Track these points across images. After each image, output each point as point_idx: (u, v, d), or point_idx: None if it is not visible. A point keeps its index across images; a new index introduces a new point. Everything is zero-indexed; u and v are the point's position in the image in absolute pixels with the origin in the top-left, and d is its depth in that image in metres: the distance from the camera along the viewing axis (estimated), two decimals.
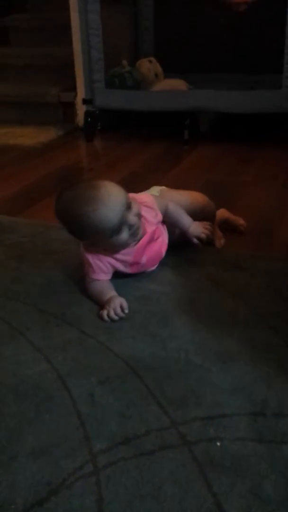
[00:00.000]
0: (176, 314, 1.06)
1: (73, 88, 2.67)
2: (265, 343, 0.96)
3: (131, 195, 1.12)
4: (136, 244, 1.12)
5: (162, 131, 2.57)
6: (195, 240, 1.22)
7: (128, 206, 1.05)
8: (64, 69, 2.76)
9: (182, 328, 1.01)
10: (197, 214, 1.26)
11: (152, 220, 1.15)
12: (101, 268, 1.12)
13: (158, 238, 1.18)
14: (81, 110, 2.58)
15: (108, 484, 0.69)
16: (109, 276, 1.14)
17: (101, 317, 1.04)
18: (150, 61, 2.69)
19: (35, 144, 2.51)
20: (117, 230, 1.04)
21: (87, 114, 2.48)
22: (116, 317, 1.03)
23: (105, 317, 1.03)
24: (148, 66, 2.66)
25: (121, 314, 1.03)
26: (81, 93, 2.54)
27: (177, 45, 2.83)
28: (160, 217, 1.18)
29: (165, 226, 1.23)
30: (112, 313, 1.03)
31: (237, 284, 1.17)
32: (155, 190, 1.30)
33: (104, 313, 1.04)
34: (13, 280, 1.21)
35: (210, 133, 2.44)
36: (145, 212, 1.13)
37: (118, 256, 1.12)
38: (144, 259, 1.15)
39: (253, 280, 1.18)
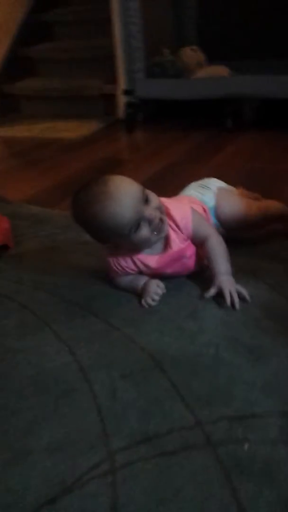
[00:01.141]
0: (207, 307, 1.00)
1: (116, 80, 2.64)
2: None
3: (166, 201, 1.03)
4: (163, 251, 1.04)
5: (204, 120, 2.50)
6: (212, 292, 1.01)
7: (145, 199, 0.96)
8: (107, 62, 2.74)
9: (213, 322, 0.95)
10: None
11: (176, 240, 1.03)
12: (124, 272, 1.06)
13: (188, 255, 1.07)
14: (122, 101, 2.55)
15: (124, 485, 0.64)
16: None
17: (145, 305, 1.01)
18: (193, 50, 2.62)
19: (76, 137, 2.51)
20: (135, 226, 0.95)
21: (127, 105, 2.44)
22: (157, 298, 1.02)
23: (151, 302, 1.01)
24: (191, 54, 2.59)
25: (161, 293, 1.02)
26: (122, 84, 2.51)
27: (222, 32, 2.74)
28: (187, 234, 1.04)
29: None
30: (155, 297, 1.02)
31: (276, 276, 1.10)
32: (213, 184, 1.23)
33: (148, 299, 1.01)
34: (43, 270, 1.20)
35: (254, 121, 2.34)
36: (171, 231, 1.03)
37: (141, 259, 1.04)
38: (168, 270, 1.07)
39: None
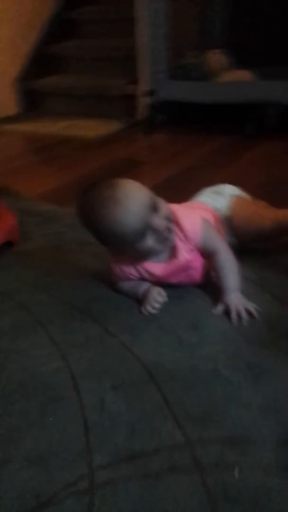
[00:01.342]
0: (209, 318, 0.95)
1: (138, 81, 2.61)
2: None
3: (176, 209, 0.97)
4: (168, 260, 0.99)
5: (226, 125, 2.45)
6: (219, 309, 0.97)
7: (154, 208, 0.91)
8: (131, 62, 2.71)
9: (214, 335, 0.91)
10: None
11: (182, 251, 0.98)
12: (126, 278, 1.02)
13: (195, 267, 1.02)
14: (143, 102, 2.51)
15: (102, 506, 0.60)
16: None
17: (145, 313, 0.97)
18: (219, 53, 2.57)
19: (95, 137, 2.48)
20: (140, 235, 0.90)
21: (148, 106, 2.41)
22: (158, 306, 0.98)
23: (151, 310, 0.97)
24: (216, 58, 2.54)
25: (161, 301, 0.98)
26: (143, 85, 2.47)
27: (249, 37, 2.68)
28: (195, 245, 0.99)
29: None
30: (155, 305, 0.98)
31: (285, 289, 1.04)
32: (227, 191, 1.18)
33: (148, 307, 0.97)
34: (46, 270, 1.17)
35: (278, 127, 2.28)
36: (178, 241, 0.98)
37: (145, 266, 1.00)
38: (172, 280, 1.03)
39: None
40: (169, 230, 0.94)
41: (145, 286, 1.01)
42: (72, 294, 1.06)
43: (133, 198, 0.89)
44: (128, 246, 0.93)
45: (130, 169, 1.96)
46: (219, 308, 0.97)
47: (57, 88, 3.01)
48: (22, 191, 1.72)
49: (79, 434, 0.70)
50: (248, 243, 1.18)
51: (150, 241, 0.92)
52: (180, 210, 0.99)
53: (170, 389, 0.78)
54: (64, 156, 2.23)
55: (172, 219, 0.95)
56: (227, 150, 2.14)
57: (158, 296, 0.98)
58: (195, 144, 2.22)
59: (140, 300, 1.00)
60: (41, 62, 3.12)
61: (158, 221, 0.91)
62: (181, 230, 0.97)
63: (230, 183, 1.25)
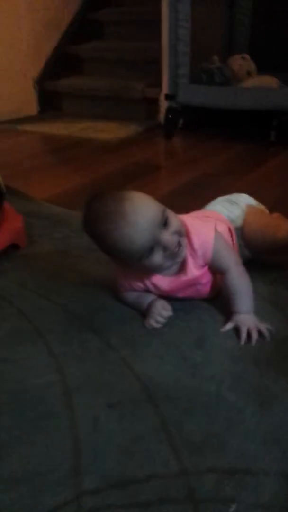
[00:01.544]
0: (217, 336, 0.90)
1: (160, 84, 2.57)
2: None
3: (188, 221, 0.93)
4: (176, 274, 0.94)
5: (248, 132, 2.39)
6: (228, 327, 0.92)
7: (163, 223, 0.85)
8: (153, 64, 2.68)
9: (220, 354, 0.86)
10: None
11: (191, 267, 0.93)
12: (131, 288, 0.98)
13: (204, 282, 0.98)
14: (164, 106, 2.48)
15: None
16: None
17: (148, 327, 0.93)
18: (243, 58, 2.52)
19: (112, 139, 2.45)
20: (147, 251, 0.85)
21: (168, 110, 2.37)
22: (162, 320, 0.93)
23: (154, 325, 0.93)
24: (240, 63, 2.49)
25: (166, 316, 0.93)
26: (165, 88, 2.43)
27: (275, 42, 2.62)
28: (205, 261, 0.95)
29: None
30: (159, 319, 0.93)
31: None
32: (242, 201, 1.14)
33: (151, 321, 0.93)
34: (50, 276, 1.13)
35: None
36: (188, 256, 0.93)
37: (152, 279, 0.95)
38: (179, 294, 0.98)
39: None
40: (179, 245, 0.88)
41: (150, 298, 0.96)
42: (74, 302, 1.02)
43: (141, 214, 0.84)
44: (134, 261, 0.88)
45: (146, 173, 1.92)
46: (228, 326, 0.92)
47: (77, 90, 2.99)
48: (34, 192, 1.70)
49: (68, 455, 0.66)
50: (261, 256, 1.12)
51: (157, 257, 0.87)
52: (192, 224, 0.94)
53: (168, 411, 0.73)
54: (80, 158, 2.20)
55: (183, 234, 0.90)
56: (247, 158, 2.09)
57: (162, 310, 0.93)
58: (214, 150, 2.18)
59: (144, 313, 0.96)
60: (61, 63, 3.11)
61: (168, 237, 0.86)
62: (191, 245, 0.92)
63: (248, 192, 1.20)
